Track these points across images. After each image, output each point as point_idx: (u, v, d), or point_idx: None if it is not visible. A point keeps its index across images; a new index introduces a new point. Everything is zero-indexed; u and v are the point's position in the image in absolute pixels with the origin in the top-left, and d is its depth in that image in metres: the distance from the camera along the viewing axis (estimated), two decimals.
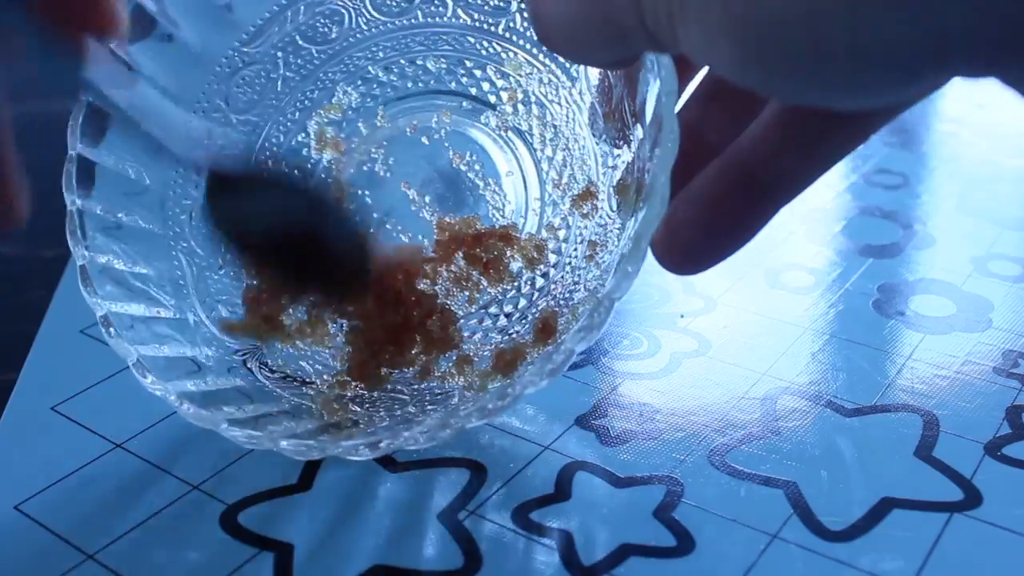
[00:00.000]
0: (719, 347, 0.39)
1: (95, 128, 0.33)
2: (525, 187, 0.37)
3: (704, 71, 0.29)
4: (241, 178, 0.31)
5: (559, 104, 0.36)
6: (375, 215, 0.38)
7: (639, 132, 0.29)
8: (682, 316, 0.41)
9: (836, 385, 0.36)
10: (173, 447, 0.34)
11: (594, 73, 0.35)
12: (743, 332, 0.39)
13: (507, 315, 0.36)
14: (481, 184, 0.38)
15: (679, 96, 0.28)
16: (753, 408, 0.35)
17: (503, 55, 0.37)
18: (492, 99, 0.37)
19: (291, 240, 0.32)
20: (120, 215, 0.34)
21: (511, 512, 0.30)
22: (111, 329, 0.31)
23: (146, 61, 0.34)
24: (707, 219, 0.27)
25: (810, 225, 0.48)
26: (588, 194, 0.35)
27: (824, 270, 0.44)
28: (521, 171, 0.37)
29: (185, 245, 0.36)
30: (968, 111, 0.61)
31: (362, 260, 0.33)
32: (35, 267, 0.47)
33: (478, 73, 0.38)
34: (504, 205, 0.37)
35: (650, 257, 0.29)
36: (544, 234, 0.36)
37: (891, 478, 0.31)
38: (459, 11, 0.37)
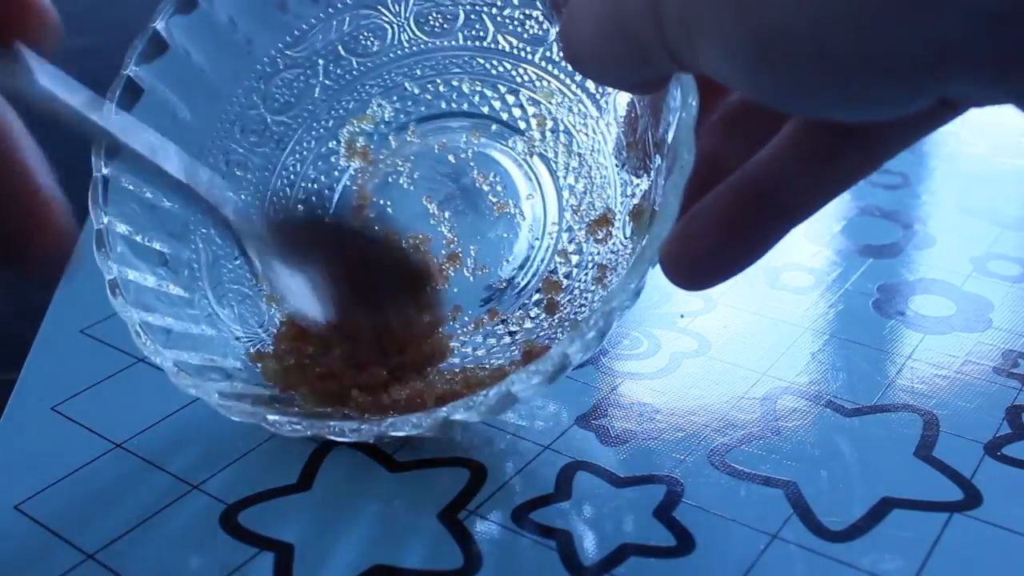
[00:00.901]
0: (719, 347, 0.39)
1: (128, 101, 0.33)
2: (544, 212, 0.37)
3: (728, 99, 0.29)
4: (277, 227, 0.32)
5: (586, 134, 0.37)
6: (394, 226, 0.38)
7: (659, 161, 0.30)
8: (682, 316, 0.41)
9: (836, 385, 0.36)
10: (173, 447, 0.34)
11: (622, 104, 0.35)
12: (743, 332, 0.39)
13: (511, 333, 0.36)
14: (497, 217, 0.38)
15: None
16: (753, 408, 0.35)
17: (537, 83, 0.38)
18: (522, 125, 0.38)
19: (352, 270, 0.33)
20: (145, 191, 0.34)
21: (511, 512, 0.30)
22: (116, 291, 0.31)
23: (185, 38, 0.35)
24: (718, 236, 0.27)
25: (810, 225, 0.48)
26: (604, 220, 0.35)
27: (824, 270, 0.44)
28: (542, 196, 0.38)
29: (204, 232, 0.36)
30: (968, 111, 0.61)
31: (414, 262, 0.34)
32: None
33: (511, 99, 0.38)
34: (520, 227, 0.38)
35: None
36: (557, 259, 0.36)
37: (891, 478, 0.31)
38: (499, 37, 0.38)
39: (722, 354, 0.38)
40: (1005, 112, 0.62)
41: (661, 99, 0.29)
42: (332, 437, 0.30)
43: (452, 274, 0.37)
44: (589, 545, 0.29)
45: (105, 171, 0.32)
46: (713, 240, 0.27)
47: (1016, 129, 0.58)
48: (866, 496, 0.31)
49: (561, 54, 0.37)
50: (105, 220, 0.32)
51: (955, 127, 0.59)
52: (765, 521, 0.30)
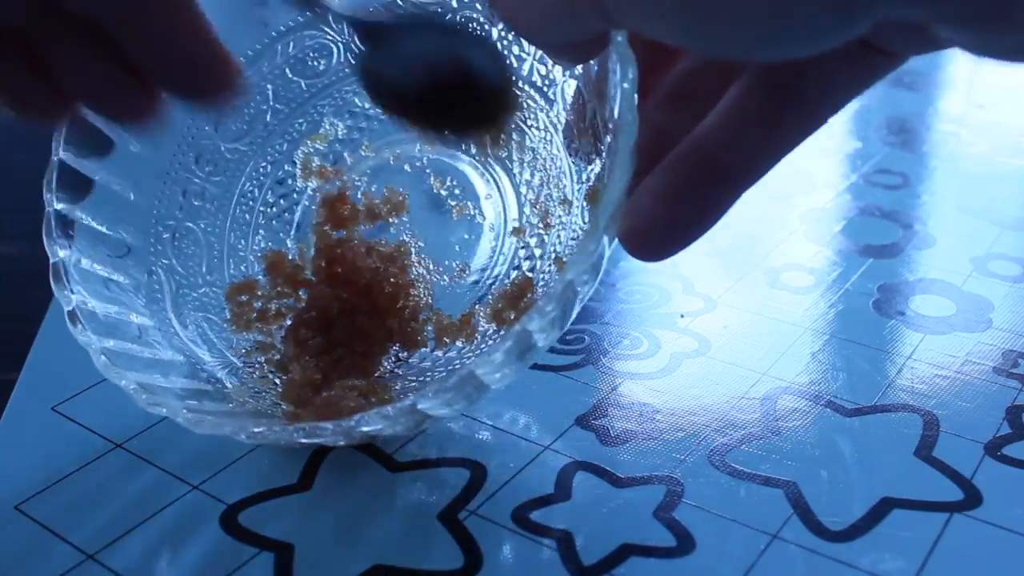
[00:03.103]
0: (719, 347, 0.39)
1: (76, 137, 0.33)
2: (504, 209, 0.38)
3: (674, 73, 0.29)
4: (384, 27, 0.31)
5: (537, 127, 0.37)
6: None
7: (608, 140, 0.30)
8: (682, 316, 0.41)
9: (836, 385, 0.36)
10: (173, 447, 0.34)
11: (569, 93, 0.35)
12: (743, 332, 0.39)
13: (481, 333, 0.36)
14: (458, 221, 0.38)
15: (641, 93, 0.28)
16: (753, 408, 0.35)
17: None
18: None
19: (442, 77, 0.31)
20: (103, 226, 0.34)
21: (511, 512, 0.30)
22: (76, 320, 0.31)
23: None
24: (668, 206, 0.27)
25: (810, 225, 0.48)
26: (563, 202, 0.35)
27: (824, 270, 0.44)
28: (500, 195, 0.38)
29: (166, 262, 0.36)
30: (968, 111, 0.61)
31: (505, 83, 0.32)
32: (35, 267, 0.47)
33: None
34: (482, 227, 0.38)
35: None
36: (520, 254, 0.37)
37: (891, 478, 0.31)
38: None
39: (722, 354, 0.38)
40: (1005, 112, 0.62)
41: (605, 82, 0.29)
42: (304, 440, 0.30)
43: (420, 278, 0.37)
44: (589, 545, 0.29)
45: (58, 206, 0.32)
46: (664, 210, 0.27)
47: (1016, 129, 0.58)
48: (866, 496, 0.31)
49: (507, 52, 0.37)
50: (61, 253, 0.32)
51: (955, 127, 0.59)
52: (765, 521, 0.30)
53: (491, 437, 0.34)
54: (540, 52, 0.36)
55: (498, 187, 0.38)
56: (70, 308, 0.31)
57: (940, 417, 0.34)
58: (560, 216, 0.36)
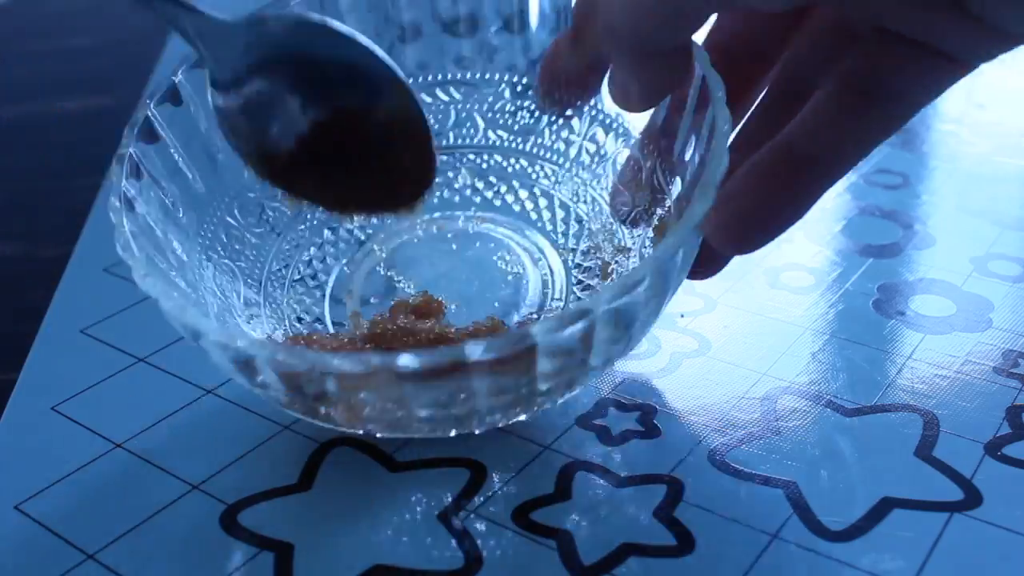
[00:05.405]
0: (719, 347, 0.39)
1: (149, 132, 0.34)
2: (551, 272, 0.39)
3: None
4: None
5: (584, 202, 0.38)
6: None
7: (677, 184, 0.31)
8: (682, 316, 0.41)
9: (836, 385, 0.36)
10: (173, 447, 0.34)
11: (621, 159, 0.37)
12: (743, 332, 0.39)
13: None
14: (508, 278, 0.39)
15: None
16: (753, 408, 0.35)
17: (529, 170, 0.39)
18: (516, 208, 0.39)
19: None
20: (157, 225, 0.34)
21: (511, 512, 0.30)
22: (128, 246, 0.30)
23: (196, 94, 0.35)
24: (759, 193, 0.29)
25: (810, 225, 0.48)
26: (621, 251, 0.36)
27: (824, 270, 0.44)
28: (546, 259, 0.39)
29: (208, 287, 0.36)
30: (968, 111, 0.60)
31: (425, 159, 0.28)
32: (35, 267, 0.47)
33: (503, 188, 0.39)
34: (527, 286, 0.38)
35: None
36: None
37: (891, 478, 0.31)
38: (489, 132, 0.39)
39: (722, 354, 0.38)
40: (1005, 112, 0.62)
41: (677, 118, 0.30)
42: (345, 428, 0.29)
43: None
44: (589, 545, 0.29)
45: (131, 192, 0.32)
46: (756, 197, 0.29)
47: (1016, 129, 0.58)
48: (866, 496, 0.31)
49: (554, 138, 0.38)
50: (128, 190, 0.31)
51: (955, 127, 0.59)
52: (765, 521, 0.30)
53: (491, 437, 0.34)
54: (590, 131, 0.37)
55: (546, 260, 0.39)
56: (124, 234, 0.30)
57: (940, 417, 0.34)
58: (615, 267, 0.37)
